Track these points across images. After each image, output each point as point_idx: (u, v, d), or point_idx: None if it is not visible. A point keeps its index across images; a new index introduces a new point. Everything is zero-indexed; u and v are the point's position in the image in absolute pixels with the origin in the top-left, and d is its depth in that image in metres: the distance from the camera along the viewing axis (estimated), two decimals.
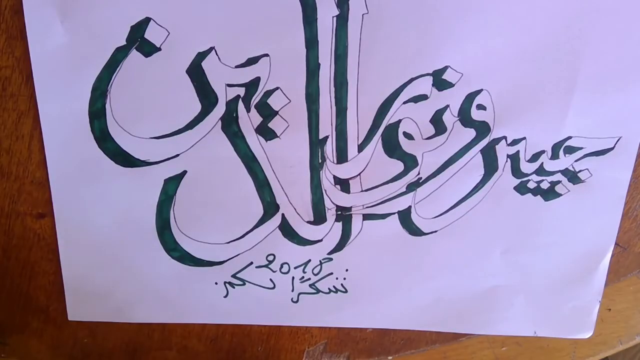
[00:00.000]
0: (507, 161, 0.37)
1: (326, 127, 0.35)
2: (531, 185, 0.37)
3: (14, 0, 0.32)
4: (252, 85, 0.34)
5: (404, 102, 0.35)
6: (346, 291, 0.40)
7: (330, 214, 0.38)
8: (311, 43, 0.33)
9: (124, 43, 0.33)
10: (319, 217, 0.38)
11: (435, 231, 0.39)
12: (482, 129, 0.36)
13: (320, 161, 0.36)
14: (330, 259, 0.39)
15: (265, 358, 0.42)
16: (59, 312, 0.40)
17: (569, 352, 0.43)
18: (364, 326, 0.41)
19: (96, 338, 0.41)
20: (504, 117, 0.35)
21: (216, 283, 0.40)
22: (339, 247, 0.39)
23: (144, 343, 0.42)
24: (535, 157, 0.37)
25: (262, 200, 0.37)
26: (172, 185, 0.36)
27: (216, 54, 0.33)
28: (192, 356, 0.42)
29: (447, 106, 0.35)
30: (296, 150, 0.36)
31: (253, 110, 0.35)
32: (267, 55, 0.33)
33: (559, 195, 0.38)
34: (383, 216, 0.38)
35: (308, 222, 0.38)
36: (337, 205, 0.38)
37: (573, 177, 0.37)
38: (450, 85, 0.35)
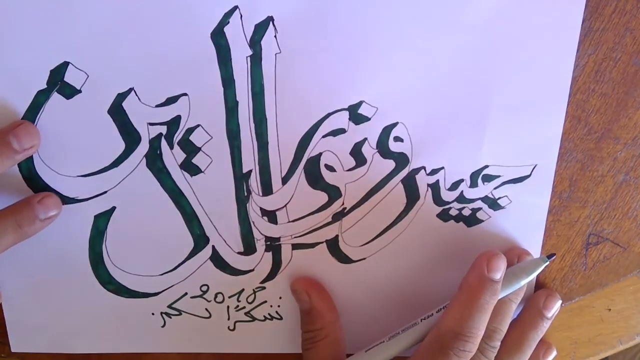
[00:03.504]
0: (428, 190, 0.37)
1: (249, 161, 0.36)
2: (453, 212, 0.38)
3: None
4: (173, 124, 0.35)
5: (323, 136, 0.36)
6: (281, 318, 0.41)
7: (260, 245, 0.39)
8: (228, 82, 0.34)
9: (45, 86, 0.33)
10: (248, 248, 0.39)
11: (364, 258, 0.39)
12: (401, 160, 0.37)
13: (245, 194, 0.37)
14: (264, 288, 0.40)
15: None
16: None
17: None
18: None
19: None
20: (421, 148, 0.36)
21: (153, 314, 0.40)
22: (271, 276, 0.39)
23: None
24: (455, 186, 0.37)
25: (192, 233, 0.38)
26: (102, 220, 0.37)
27: (136, 94, 0.34)
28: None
29: (365, 139, 0.36)
30: (221, 184, 0.37)
31: (176, 147, 0.36)
32: (185, 94, 0.34)
33: (481, 221, 0.38)
34: (312, 245, 0.39)
35: (238, 252, 0.39)
36: (265, 236, 0.38)
37: (493, 203, 0.38)
38: (367, 119, 0.35)
